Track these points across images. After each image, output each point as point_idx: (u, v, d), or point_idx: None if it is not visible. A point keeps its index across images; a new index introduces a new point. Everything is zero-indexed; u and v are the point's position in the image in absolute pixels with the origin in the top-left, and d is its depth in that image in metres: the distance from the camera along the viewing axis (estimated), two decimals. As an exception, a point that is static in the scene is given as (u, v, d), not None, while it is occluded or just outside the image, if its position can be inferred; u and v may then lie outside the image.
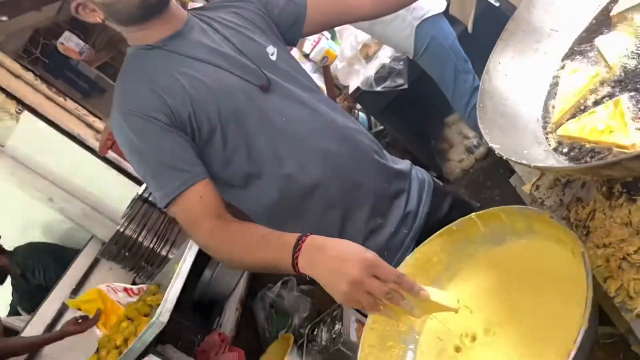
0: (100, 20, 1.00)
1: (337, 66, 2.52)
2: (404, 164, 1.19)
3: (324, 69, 2.55)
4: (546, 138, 0.78)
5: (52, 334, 1.75)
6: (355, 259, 0.75)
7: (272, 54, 1.08)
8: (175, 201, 0.97)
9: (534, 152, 0.75)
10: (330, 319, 2.00)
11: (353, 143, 1.10)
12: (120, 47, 3.80)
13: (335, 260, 0.77)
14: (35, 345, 1.79)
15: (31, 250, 2.37)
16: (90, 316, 1.71)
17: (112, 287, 1.85)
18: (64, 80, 3.63)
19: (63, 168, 2.48)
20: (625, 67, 0.74)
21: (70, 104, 2.58)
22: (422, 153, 2.60)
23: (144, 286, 1.94)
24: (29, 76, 2.51)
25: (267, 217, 1.06)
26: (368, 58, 2.34)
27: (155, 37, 1.02)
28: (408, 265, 0.94)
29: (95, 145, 2.55)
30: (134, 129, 0.98)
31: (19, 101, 2.42)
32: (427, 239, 0.94)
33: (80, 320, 1.70)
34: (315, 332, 2.05)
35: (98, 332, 1.70)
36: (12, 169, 2.42)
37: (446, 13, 1.85)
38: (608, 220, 0.72)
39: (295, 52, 3.69)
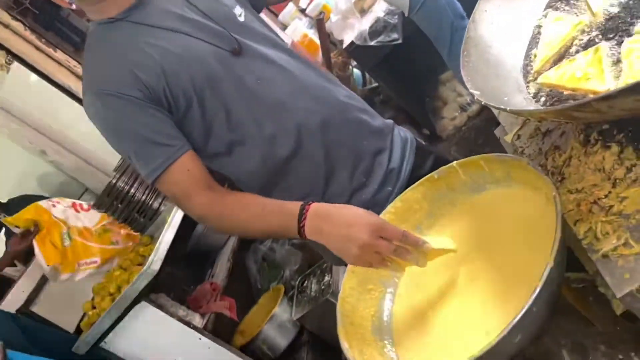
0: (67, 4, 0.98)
1: (332, 19, 2.47)
2: (385, 122, 1.20)
3: (318, 23, 2.50)
4: (527, 86, 0.79)
5: (2, 258, 1.81)
6: (362, 224, 0.79)
7: (240, 15, 1.06)
8: (162, 177, 0.97)
9: (513, 99, 0.76)
10: (320, 271, 2.05)
11: (330, 101, 1.10)
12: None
13: (343, 226, 0.82)
14: None
15: (25, 202, 2.38)
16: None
17: (53, 202, 1.87)
18: (54, 32, 3.56)
19: (54, 120, 2.47)
20: (608, 14, 0.74)
21: (60, 55, 2.54)
22: (415, 110, 2.59)
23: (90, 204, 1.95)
24: (19, 27, 2.46)
25: (252, 181, 1.08)
26: (363, 12, 2.30)
27: (115, 9, 0.99)
28: (390, 213, 0.96)
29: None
30: (110, 109, 0.96)
31: (9, 51, 2.38)
32: (409, 187, 0.96)
33: (19, 238, 1.73)
34: (305, 284, 2.10)
35: (42, 260, 1.70)
36: (2, 120, 2.41)
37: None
38: (582, 166, 0.73)
39: (291, 7, 3.62)
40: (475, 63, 0.82)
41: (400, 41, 2.21)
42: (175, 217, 1.90)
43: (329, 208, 0.86)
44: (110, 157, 2.51)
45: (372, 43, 2.24)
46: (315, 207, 0.87)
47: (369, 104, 1.22)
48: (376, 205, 1.06)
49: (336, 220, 0.83)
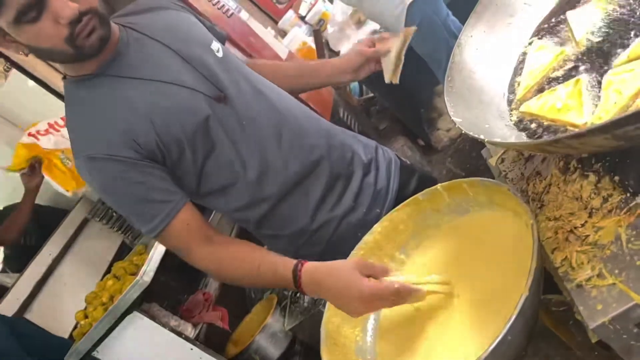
0: (23, 54, 0.91)
1: (329, 30, 2.49)
2: (368, 143, 1.21)
3: (315, 34, 2.52)
4: (510, 114, 0.80)
5: (23, 202, 1.93)
6: (352, 297, 0.83)
7: (218, 50, 1.05)
8: (162, 234, 0.98)
9: (495, 126, 0.77)
10: (312, 281, 2.05)
11: (313, 127, 1.12)
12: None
13: (336, 297, 0.87)
14: (22, 215, 1.96)
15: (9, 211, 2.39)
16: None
17: (33, 134, 1.90)
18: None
19: (52, 127, 2.47)
20: (590, 44, 0.75)
21: (58, 62, 2.56)
22: (411, 121, 2.61)
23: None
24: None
25: (244, 216, 1.11)
26: (359, 23, 2.32)
27: (94, 65, 0.95)
28: (376, 232, 0.97)
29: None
30: (102, 172, 0.94)
31: (7, 58, 2.40)
32: (395, 208, 0.97)
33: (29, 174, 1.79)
34: (297, 294, 2.11)
35: (60, 189, 1.74)
36: (0, 127, 2.43)
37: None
38: (561, 194, 0.74)
39: (290, 14, 3.64)
40: (459, 88, 0.84)
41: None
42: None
43: (319, 275, 0.90)
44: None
45: (368, 55, 2.26)
46: (306, 274, 0.90)
47: (365, 114, 1.24)
48: (365, 227, 1.05)
49: (328, 292, 0.88)
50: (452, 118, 0.76)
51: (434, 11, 1.86)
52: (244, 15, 2.35)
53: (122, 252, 2.26)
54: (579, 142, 0.55)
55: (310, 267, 0.90)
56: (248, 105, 1.04)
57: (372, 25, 2.23)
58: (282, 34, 3.42)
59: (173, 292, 2.16)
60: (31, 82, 2.49)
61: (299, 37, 3.23)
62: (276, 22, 3.90)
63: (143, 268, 1.59)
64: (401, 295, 0.81)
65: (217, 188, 1.05)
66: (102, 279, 1.89)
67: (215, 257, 1.00)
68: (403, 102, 2.54)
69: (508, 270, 0.77)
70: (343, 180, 1.11)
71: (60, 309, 1.84)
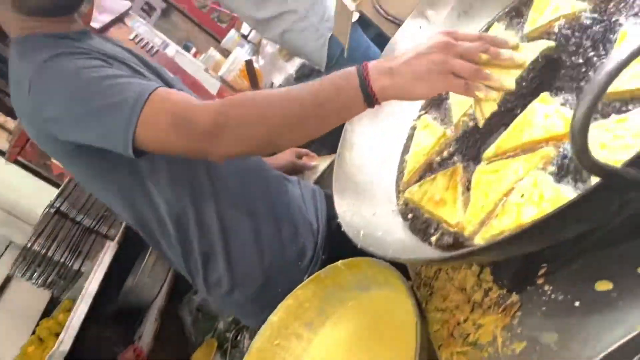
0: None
1: (260, 62, 2.46)
2: (291, 180, 1.19)
3: (247, 63, 2.48)
4: (398, 196, 0.79)
5: None
6: (430, 38, 0.65)
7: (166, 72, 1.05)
8: (154, 96, 0.77)
9: (381, 213, 0.76)
10: (252, 324, 2.02)
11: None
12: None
13: (410, 52, 0.65)
14: None
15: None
16: None
17: None
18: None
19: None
20: (465, 128, 0.75)
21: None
22: (330, 145, 2.60)
23: None
24: None
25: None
26: (287, 56, 2.30)
27: (63, 28, 0.91)
28: (281, 312, 0.94)
29: (6, 147, 2.42)
30: (65, 66, 0.82)
31: None
32: (299, 285, 0.94)
33: None
34: (238, 337, 2.06)
35: None
36: None
37: (360, 21, 1.81)
38: (449, 282, 0.73)
39: (233, 33, 3.59)
40: (349, 167, 0.82)
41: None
42: (97, 274, 1.85)
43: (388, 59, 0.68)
44: (36, 208, 2.40)
45: (299, 88, 2.24)
46: (372, 62, 0.68)
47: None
48: (303, 260, 1.05)
49: (403, 53, 0.67)
50: (336, 206, 0.74)
51: (355, 43, 1.88)
52: (170, 50, 2.29)
53: (52, 307, 2.15)
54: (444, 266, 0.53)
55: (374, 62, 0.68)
56: None
57: (301, 59, 2.21)
58: (226, 53, 3.37)
59: (107, 344, 2.08)
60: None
61: (241, 57, 3.19)
62: (219, 42, 3.85)
63: (62, 334, 1.51)
64: (488, 42, 0.64)
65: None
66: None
67: (236, 100, 0.74)
68: (338, 130, 2.52)
69: (401, 354, 0.76)
70: (278, 210, 1.08)
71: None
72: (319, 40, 1.84)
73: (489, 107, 0.65)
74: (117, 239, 1.92)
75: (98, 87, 0.80)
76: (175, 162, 0.96)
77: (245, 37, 3.55)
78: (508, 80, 0.64)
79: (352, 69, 0.67)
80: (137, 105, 0.76)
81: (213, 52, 3.33)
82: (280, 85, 2.33)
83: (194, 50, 3.95)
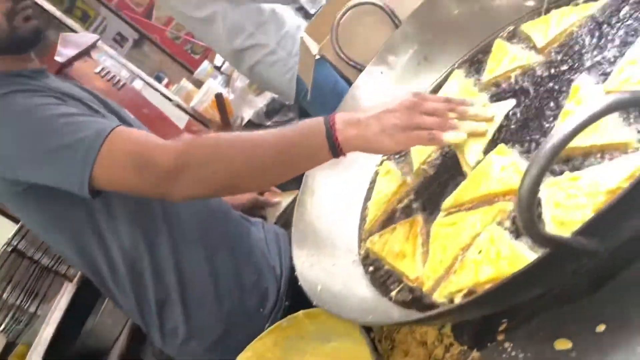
0: None
1: (230, 97, 2.45)
2: (254, 222, 1.16)
3: (217, 97, 2.46)
4: (359, 245, 0.77)
5: None
6: (399, 96, 0.66)
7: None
8: (113, 136, 0.75)
9: (342, 262, 0.74)
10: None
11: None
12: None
13: (379, 107, 0.66)
14: None
15: None
16: None
17: None
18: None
19: None
20: (425, 177, 0.74)
21: None
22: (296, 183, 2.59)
23: None
24: None
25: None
26: (257, 91, 2.30)
27: (17, 66, 0.90)
28: (241, 363, 0.90)
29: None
30: (20, 104, 0.80)
31: None
32: (259, 336, 0.91)
33: None
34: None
35: None
36: None
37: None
38: (410, 335, 0.71)
39: (206, 64, 3.59)
40: (309, 215, 0.80)
41: (297, 121, 2.22)
42: (54, 317, 1.76)
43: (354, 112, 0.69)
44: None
45: (269, 123, 2.23)
46: (339, 115, 0.68)
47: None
48: (265, 305, 1.01)
49: (370, 107, 0.68)
50: (293, 257, 0.72)
51: (322, 77, 1.90)
52: (137, 84, 2.26)
53: (7, 352, 2.04)
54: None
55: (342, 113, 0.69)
56: None
57: (271, 94, 2.22)
58: (198, 84, 3.36)
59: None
60: None
61: (214, 87, 3.18)
62: (192, 73, 3.84)
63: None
64: (455, 103, 0.65)
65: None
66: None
67: (200, 141, 0.73)
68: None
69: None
70: (240, 252, 1.04)
71: None
72: (287, 75, 1.86)
73: (474, 155, 0.65)
74: (76, 279, 1.84)
75: (53, 125, 0.78)
76: (131, 205, 0.92)
77: (218, 68, 3.55)
78: (478, 125, 0.65)
79: (319, 119, 0.68)
80: (95, 143, 0.75)
81: (185, 83, 3.32)
82: (250, 120, 2.32)
83: (166, 80, 3.93)
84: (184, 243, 0.95)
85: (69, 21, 2.66)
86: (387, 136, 0.64)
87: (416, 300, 0.60)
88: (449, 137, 0.63)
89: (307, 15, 2.09)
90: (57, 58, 1.93)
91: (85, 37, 2.20)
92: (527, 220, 0.33)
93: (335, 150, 0.66)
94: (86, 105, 0.89)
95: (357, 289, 0.68)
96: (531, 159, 0.33)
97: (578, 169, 0.53)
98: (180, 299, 0.95)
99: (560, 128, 0.31)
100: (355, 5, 0.89)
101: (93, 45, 2.18)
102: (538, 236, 0.35)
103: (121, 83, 2.13)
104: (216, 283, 0.98)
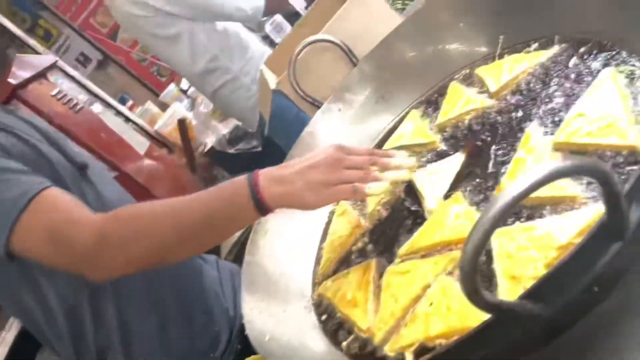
0: None
1: (193, 122, 2.41)
2: (208, 260, 1.11)
3: (179, 123, 2.42)
4: (313, 289, 0.74)
5: None
6: (321, 151, 0.67)
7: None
8: (33, 205, 0.71)
9: (293, 308, 0.71)
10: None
11: None
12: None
13: (303, 161, 0.66)
14: None
15: None
16: None
17: None
18: None
19: None
20: (380, 219, 0.72)
21: None
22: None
23: None
24: None
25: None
26: (221, 117, 2.27)
27: None
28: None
29: None
30: None
31: None
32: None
33: None
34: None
35: None
36: None
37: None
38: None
39: (172, 87, 3.54)
40: (260, 257, 0.77)
41: (260, 149, 2.19)
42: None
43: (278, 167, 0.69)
44: None
45: (232, 150, 2.20)
46: (262, 171, 0.67)
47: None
48: (216, 347, 0.96)
49: (293, 162, 0.68)
50: (242, 303, 0.69)
51: (285, 105, 1.89)
52: (96, 107, 2.20)
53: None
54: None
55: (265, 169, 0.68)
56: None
57: (234, 121, 2.19)
58: (164, 107, 3.31)
59: None
60: None
61: (179, 111, 3.12)
62: (158, 95, 3.79)
63: None
64: (378, 156, 0.68)
65: None
66: None
67: (120, 216, 0.71)
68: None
69: None
70: (192, 296, 0.99)
71: None
72: (249, 101, 1.84)
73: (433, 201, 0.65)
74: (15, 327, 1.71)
75: None
76: None
77: (184, 92, 3.51)
78: (401, 174, 0.69)
79: (242, 178, 0.67)
80: (14, 210, 0.70)
81: (150, 106, 3.26)
82: (212, 147, 2.28)
83: (130, 102, 3.86)
84: (128, 288, 0.89)
85: (31, 41, 2.57)
86: (311, 193, 0.64)
87: (366, 353, 0.58)
88: (372, 188, 0.65)
89: (272, 44, 2.09)
90: (11, 80, 1.86)
91: (42, 59, 2.13)
92: (469, 289, 0.32)
93: (262, 208, 0.65)
94: (26, 143, 0.84)
95: (308, 338, 0.65)
96: (474, 225, 0.32)
97: (530, 218, 0.53)
98: (121, 347, 0.90)
99: (499, 196, 0.30)
100: (312, 42, 0.88)
101: (51, 67, 2.12)
102: (482, 304, 0.33)
103: (78, 106, 2.06)
104: (162, 329, 0.93)
